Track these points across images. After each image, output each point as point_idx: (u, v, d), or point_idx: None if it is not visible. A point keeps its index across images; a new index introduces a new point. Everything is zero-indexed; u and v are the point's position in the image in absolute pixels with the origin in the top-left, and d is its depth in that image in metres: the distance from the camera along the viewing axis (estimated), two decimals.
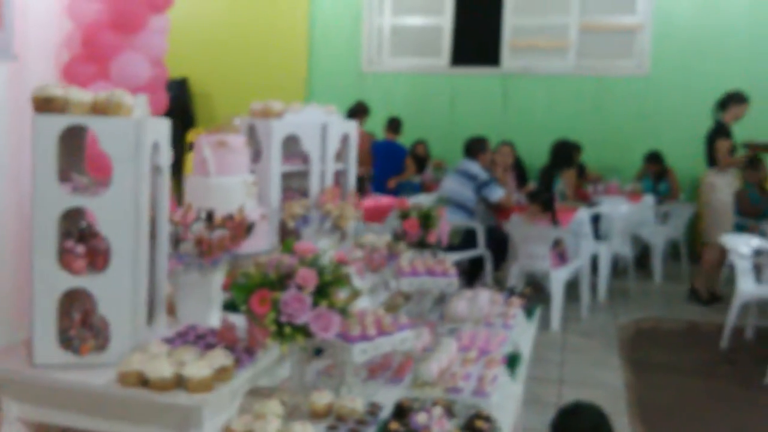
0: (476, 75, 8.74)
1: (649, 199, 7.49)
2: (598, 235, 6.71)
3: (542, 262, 5.67)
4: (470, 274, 6.29)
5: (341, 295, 2.02)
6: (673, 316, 6.19)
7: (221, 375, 1.79)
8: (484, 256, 6.12)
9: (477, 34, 8.84)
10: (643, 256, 7.52)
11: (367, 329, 2.02)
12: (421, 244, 3.03)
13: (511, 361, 2.46)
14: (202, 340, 2.03)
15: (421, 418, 1.81)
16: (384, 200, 6.48)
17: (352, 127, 3.39)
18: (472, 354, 2.23)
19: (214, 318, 2.19)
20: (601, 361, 5.02)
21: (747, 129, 6.92)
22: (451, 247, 6.07)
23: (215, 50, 9.28)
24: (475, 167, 6.19)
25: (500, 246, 6.17)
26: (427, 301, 2.91)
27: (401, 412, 1.89)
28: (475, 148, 6.35)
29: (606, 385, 4.57)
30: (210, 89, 9.14)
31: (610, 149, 8.32)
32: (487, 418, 1.86)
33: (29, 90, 2.07)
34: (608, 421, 2.86)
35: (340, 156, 3.35)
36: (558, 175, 7.33)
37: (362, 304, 2.64)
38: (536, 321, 3.11)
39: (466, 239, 6.13)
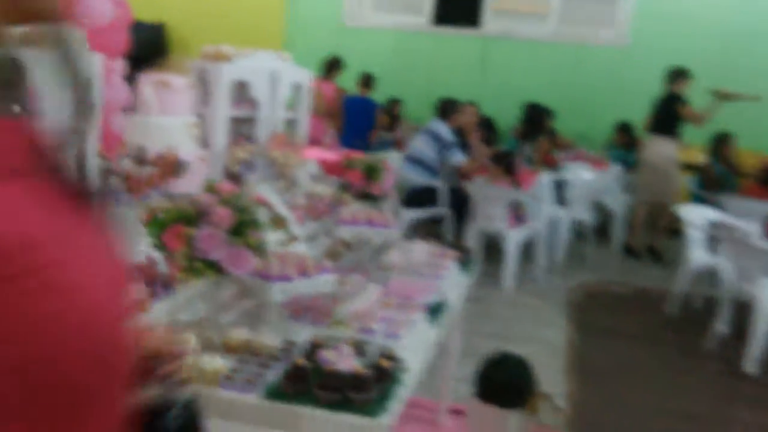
0: (457, 36, 8.69)
1: (615, 168, 7.56)
2: (562, 200, 6.79)
3: (499, 222, 5.75)
4: (434, 232, 6.37)
5: (268, 236, 2.07)
6: (623, 282, 6.33)
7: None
8: (445, 215, 6.18)
9: None
10: (605, 223, 7.62)
11: (287, 270, 2.08)
12: (365, 196, 3.08)
13: (434, 309, 2.53)
14: None
15: (329, 354, 1.88)
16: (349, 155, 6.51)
17: (304, 76, 3.40)
18: (392, 299, 2.30)
19: (138, 253, 2.23)
20: (547, 320, 5.14)
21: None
22: (413, 204, 6.16)
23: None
24: (442, 129, 6.21)
25: (463, 206, 6.24)
26: (366, 251, 2.96)
27: (313, 349, 1.96)
28: (446, 109, 6.38)
29: (548, 343, 4.69)
30: (187, 35, 9.03)
31: (584, 117, 8.35)
32: (393, 358, 1.93)
33: None
34: (531, 374, 2.97)
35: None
36: (532, 141, 7.39)
37: (299, 249, 2.70)
38: (473, 275, 3.18)
39: (429, 198, 6.18)
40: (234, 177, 3.02)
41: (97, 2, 3.97)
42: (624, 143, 7.87)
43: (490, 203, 5.75)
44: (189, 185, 2.55)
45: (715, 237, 5.50)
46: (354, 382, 1.78)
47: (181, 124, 2.54)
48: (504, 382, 2.87)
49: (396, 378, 1.91)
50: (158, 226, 1.80)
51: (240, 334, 2.07)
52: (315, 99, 7.21)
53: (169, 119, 2.52)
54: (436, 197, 6.16)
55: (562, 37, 8.32)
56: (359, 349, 1.99)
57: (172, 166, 2.19)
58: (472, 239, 5.89)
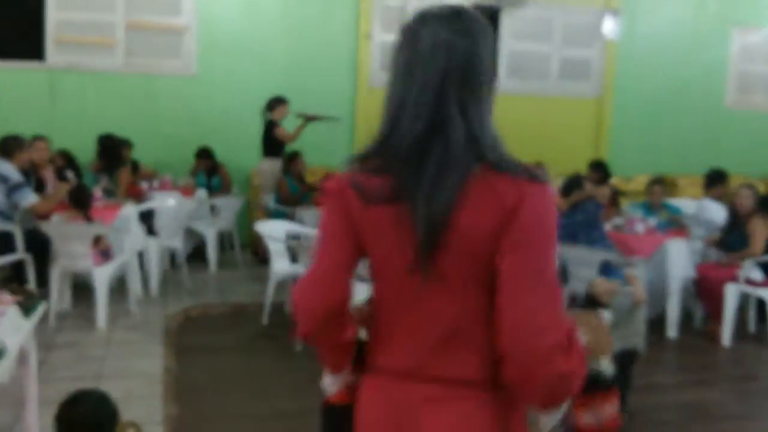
0: (19, 69, 8.16)
1: (201, 193, 7.87)
2: (153, 230, 6.84)
3: (83, 260, 5.59)
4: (17, 280, 5.91)
5: None
6: (222, 301, 6.63)
7: None
8: (25, 260, 5.79)
9: (17, 27, 8.27)
10: (200, 247, 7.87)
11: None
12: None
13: None
14: None
15: None
16: None
17: None
18: None
19: None
20: (143, 351, 5.15)
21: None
22: None
23: None
24: (7, 168, 5.80)
25: (45, 248, 5.91)
26: None
27: None
28: (8, 147, 5.95)
29: (145, 374, 4.72)
30: None
31: (164, 146, 8.49)
32: None
33: None
34: (109, 406, 2.98)
35: None
36: (113, 174, 7.29)
37: None
38: (36, 317, 3.09)
39: (5, 244, 5.72)
40: None
41: None
42: (206, 168, 8.21)
43: (71, 241, 5.56)
44: None
45: (293, 247, 6.09)
46: None
47: None
48: (81, 420, 2.84)
49: None
50: None
51: None
52: None
53: None
54: (12, 242, 5.73)
55: (131, 68, 8.36)
56: None
57: None
58: (56, 281, 5.64)
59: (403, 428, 1.50)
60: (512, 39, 9.69)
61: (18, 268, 5.83)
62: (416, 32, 1.47)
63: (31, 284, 5.76)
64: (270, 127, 7.85)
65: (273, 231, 6.15)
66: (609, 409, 3.16)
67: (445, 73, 1.43)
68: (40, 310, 3.13)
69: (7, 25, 8.25)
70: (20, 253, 5.74)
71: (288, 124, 7.96)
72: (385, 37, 9.16)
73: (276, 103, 7.92)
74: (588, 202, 5.71)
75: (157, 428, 3.92)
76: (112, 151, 7.31)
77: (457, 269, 1.43)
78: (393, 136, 1.49)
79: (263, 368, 5.11)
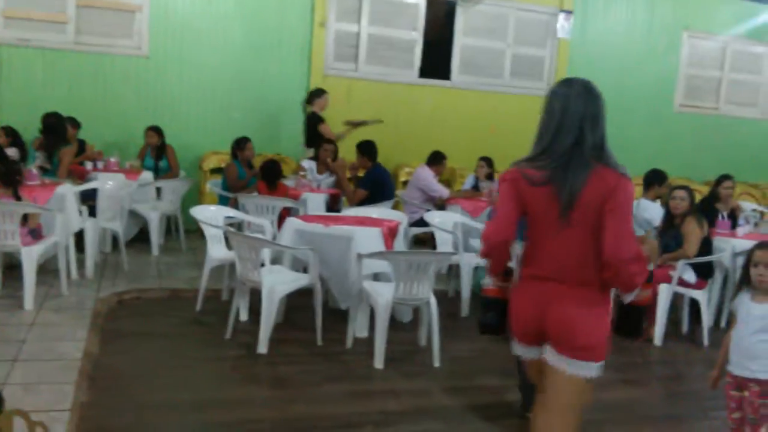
0: None
1: (146, 176, 7.57)
2: (94, 211, 6.54)
3: (11, 239, 5.28)
4: None
5: None
6: (160, 286, 6.34)
7: None
8: None
9: None
10: (145, 231, 7.57)
11: None
12: None
13: None
14: None
15: None
16: None
17: None
18: None
19: None
20: (67, 335, 4.85)
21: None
22: None
23: None
24: None
25: None
26: None
27: None
28: None
29: (63, 358, 4.42)
30: None
31: (113, 126, 8.19)
32: None
33: None
34: None
35: None
36: (56, 151, 6.98)
37: None
38: None
39: None
40: None
41: None
42: (155, 149, 7.91)
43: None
44: None
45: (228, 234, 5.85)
46: None
47: None
48: None
49: None
50: None
51: None
52: None
53: None
54: None
55: (81, 47, 8.03)
56: None
57: None
58: None
59: (542, 307, 2.64)
60: (466, 35, 9.51)
61: None
62: (565, 93, 2.60)
63: None
64: (314, 120, 7.88)
65: (210, 216, 5.90)
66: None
67: (583, 114, 2.56)
68: None
69: None
70: None
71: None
72: (339, 26, 8.92)
73: (315, 95, 8.00)
74: None
75: (62, 415, 3.65)
76: (55, 130, 6.99)
77: (581, 220, 2.54)
78: (553, 145, 2.56)
79: (189, 356, 4.85)
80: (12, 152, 6.75)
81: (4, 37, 7.81)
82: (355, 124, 8.17)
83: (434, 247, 6.37)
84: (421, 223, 6.81)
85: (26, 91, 7.87)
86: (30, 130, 7.31)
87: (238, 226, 6.58)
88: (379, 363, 4.67)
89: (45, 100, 7.61)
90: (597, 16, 9.93)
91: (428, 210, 7.10)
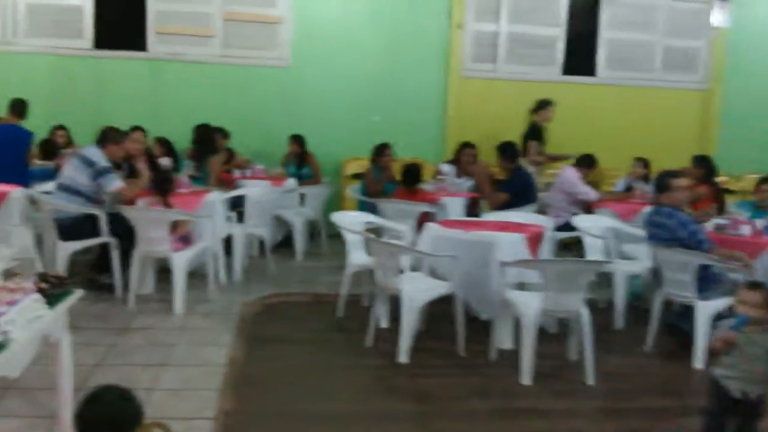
0: (123, 59, 8.17)
1: (290, 182, 7.60)
2: (242, 217, 6.62)
3: (162, 245, 5.38)
4: (102, 263, 5.81)
5: None
6: (303, 291, 6.27)
7: None
8: (110, 244, 5.64)
9: (121, 18, 8.28)
10: (290, 236, 7.60)
11: None
12: None
13: None
14: None
15: None
16: None
17: None
18: None
19: None
20: (213, 340, 4.85)
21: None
22: (72, 236, 5.55)
23: None
24: (96, 153, 5.67)
25: (130, 232, 5.75)
26: None
27: None
28: (103, 136, 5.85)
29: (208, 364, 4.39)
30: None
31: (258, 135, 8.32)
32: None
33: None
34: (131, 404, 2.63)
35: None
36: (205, 160, 7.14)
37: None
38: (64, 306, 2.80)
39: (90, 227, 5.60)
40: None
41: None
42: (296, 156, 7.93)
43: (150, 227, 5.35)
44: None
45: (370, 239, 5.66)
46: None
47: None
48: (99, 419, 2.52)
49: None
50: None
51: None
52: None
53: None
54: (97, 226, 5.60)
55: (227, 59, 8.22)
56: None
57: None
58: (136, 265, 5.46)
59: None
60: (612, 28, 8.87)
61: (105, 251, 5.71)
62: None
63: (115, 267, 5.62)
64: (530, 131, 7.62)
65: (350, 222, 5.75)
66: None
67: None
68: (70, 299, 2.82)
69: (113, 16, 8.25)
70: (105, 237, 5.60)
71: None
72: (477, 26, 8.57)
73: (541, 105, 7.72)
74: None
75: (205, 423, 3.58)
76: (205, 140, 7.15)
77: None
78: None
79: (331, 364, 4.69)
80: (165, 162, 6.95)
81: (157, 52, 8.12)
82: (554, 158, 7.83)
83: (581, 252, 5.89)
84: (567, 227, 6.33)
85: (178, 103, 8.14)
86: (182, 140, 7.52)
87: (379, 231, 6.41)
88: (526, 378, 4.29)
89: (195, 111, 7.83)
90: (757, 1, 8.96)
91: (574, 214, 6.60)
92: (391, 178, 7.25)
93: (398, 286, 4.65)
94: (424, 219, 6.04)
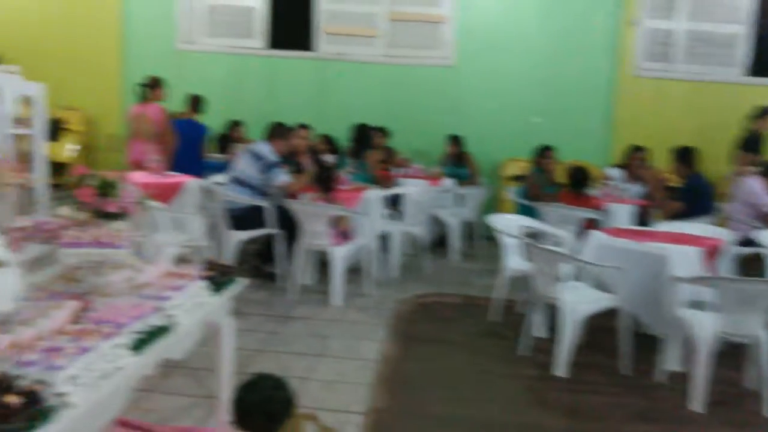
0: (292, 59, 8.48)
1: (448, 182, 7.52)
2: (400, 216, 6.64)
3: (323, 239, 5.49)
4: (267, 253, 6.05)
5: None
6: (457, 292, 6.18)
7: None
8: (276, 235, 5.86)
9: (292, 19, 8.60)
10: (443, 236, 7.53)
11: None
12: (99, 214, 2.71)
13: (152, 334, 2.21)
14: None
15: None
16: (173, 179, 6.13)
17: (35, 90, 3.02)
18: (71, 327, 1.96)
19: None
20: (367, 335, 4.89)
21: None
22: (241, 226, 5.82)
23: (27, 24, 8.57)
24: (265, 149, 5.93)
25: (294, 225, 5.94)
26: (99, 273, 2.59)
27: None
28: (272, 132, 6.11)
29: (362, 358, 4.44)
30: (22, 64, 8.37)
31: (418, 134, 8.31)
32: (28, 393, 1.59)
33: None
34: (284, 393, 2.66)
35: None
36: (363, 157, 7.23)
37: (9, 276, 2.31)
38: (229, 294, 2.88)
39: (258, 218, 5.84)
40: None
41: None
42: (454, 156, 7.84)
43: (312, 221, 5.49)
44: None
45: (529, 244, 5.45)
46: None
47: None
48: (254, 405, 2.56)
49: (38, 414, 1.57)
50: None
51: None
52: (137, 122, 6.87)
53: None
54: (264, 217, 5.83)
55: (391, 59, 8.29)
56: (2, 384, 1.64)
57: None
58: (299, 257, 5.63)
59: None
60: None
61: (270, 242, 5.94)
62: None
63: (279, 258, 5.82)
64: (751, 140, 6.99)
65: (507, 225, 5.56)
66: None
67: None
68: (234, 287, 2.90)
69: (285, 17, 8.58)
70: (271, 228, 5.81)
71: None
72: (651, 24, 8.03)
73: (766, 112, 7.17)
74: None
75: (356, 418, 3.58)
76: (362, 138, 7.25)
77: None
78: None
79: (483, 369, 4.54)
80: (329, 158, 7.12)
81: (325, 52, 8.35)
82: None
83: (761, 270, 5.32)
84: (748, 242, 5.74)
85: (342, 102, 8.32)
86: (345, 138, 7.68)
87: (538, 236, 6.16)
88: (696, 404, 3.91)
89: (358, 110, 7.96)
90: None
91: (757, 227, 5.98)
92: (553, 181, 6.95)
93: (557, 296, 4.42)
94: (587, 225, 5.73)
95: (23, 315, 1.96)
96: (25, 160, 2.94)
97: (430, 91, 8.30)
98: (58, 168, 7.17)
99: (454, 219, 7.29)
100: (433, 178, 7.50)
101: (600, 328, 4.87)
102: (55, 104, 8.25)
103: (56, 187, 6.09)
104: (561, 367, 4.32)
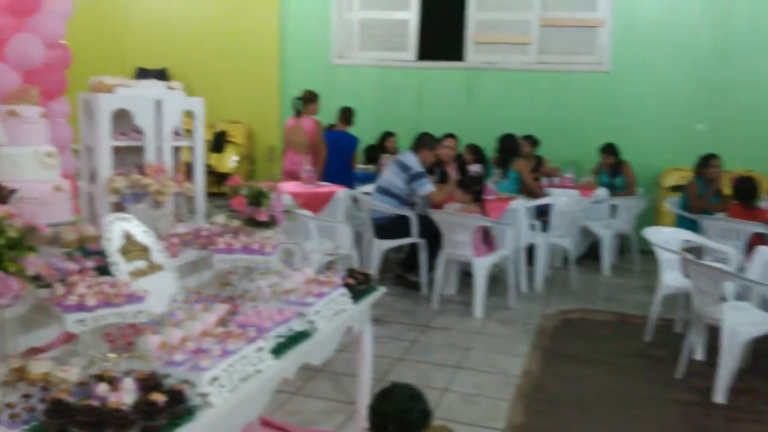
0: (442, 69, 8.53)
1: (601, 192, 7.22)
2: (547, 226, 6.48)
3: (465, 249, 5.46)
4: (411, 262, 6.12)
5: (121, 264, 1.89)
6: (606, 309, 5.91)
7: None
8: (419, 244, 5.91)
9: (442, 29, 8.64)
10: (596, 249, 7.24)
11: (87, 300, 1.88)
12: (251, 222, 2.86)
13: (292, 339, 2.30)
14: None
15: (100, 388, 1.67)
16: (323, 189, 6.35)
17: (196, 104, 3.24)
18: (217, 330, 2.08)
19: None
20: (509, 348, 4.80)
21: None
22: (386, 235, 5.92)
23: (193, 43, 9.26)
24: (411, 159, 6.00)
25: (438, 235, 5.97)
26: (249, 277, 2.74)
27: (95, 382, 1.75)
28: (418, 142, 6.18)
29: (503, 372, 4.35)
30: (189, 80, 9.04)
31: (570, 143, 8.05)
32: (173, 392, 1.70)
33: None
34: (420, 404, 2.67)
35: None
36: (510, 166, 7.12)
37: (166, 279, 2.50)
38: (368, 302, 2.93)
39: (402, 227, 5.92)
40: (120, 207, 2.86)
41: (26, 45, 3.92)
42: (609, 166, 7.50)
43: (455, 230, 5.48)
44: (47, 215, 2.39)
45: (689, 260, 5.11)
46: (112, 418, 1.56)
47: (31, 153, 2.39)
48: (389, 415, 2.59)
49: (182, 412, 1.68)
50: None
51: (40, 366, 1.88)
52: (292, 134, 7.19)
53: (17, 149, 2.38)
54: (409, 227, 5.90)
55: (543, 66, 8.10)
56: (152, 382, 1.76)
57: None
58: (441, 267, 5.63)
59: None
60: None
61: (415, 251, 5.99)
62: None
63: (422, 267, 5.87)
64: None
65: (665, 239, 5.24)
66: None
67: None
68: (374, 295, 2.95)
69: (434, 29, 8.64)
70: (415, 237, 5.87)
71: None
72: None
73: None
74: None
75: None
76: (508, 148, 7.11)
77: None
78: None
79: (632, 392, 4.30)
80: (476, 168, 7.07)
81: (473, 61, 8.32)
82: None
83: None
84: None
85: (491, 111, 8.25)
86: (492, 148, 7.60)
87: (698, 251, 5.75)
88: None
89: (507, 119, 7.86)
90: None
91: None
92: (717, 193, 6.47)
93: (719, 316, 4.10)
94: (755, 241, 5.27)
95: (175, 317, 2.10)
96: (185, 170, 3.16)
97: (583, 98, 8.02)
98: (221, 178, 7.69)
99: (606, 231, 6.98)
100: (585, 188, 7.24)
101: (765, 352, 4.48)
102: (221, 118, 8.85)
103: (218, 195, 6.54)
104: (720, 393, 4.01)
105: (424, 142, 6.16)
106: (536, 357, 4.70)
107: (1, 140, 2.35)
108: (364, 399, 3.07)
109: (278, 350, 2.20)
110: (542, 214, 6.48)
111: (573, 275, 6.49)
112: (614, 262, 7.21)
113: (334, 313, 2.62)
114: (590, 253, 7.29)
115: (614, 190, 7.38)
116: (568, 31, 8.05)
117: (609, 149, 7.46)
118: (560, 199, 6.46)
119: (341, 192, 6.26)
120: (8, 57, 3.85)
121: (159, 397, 1.64)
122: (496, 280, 5.91)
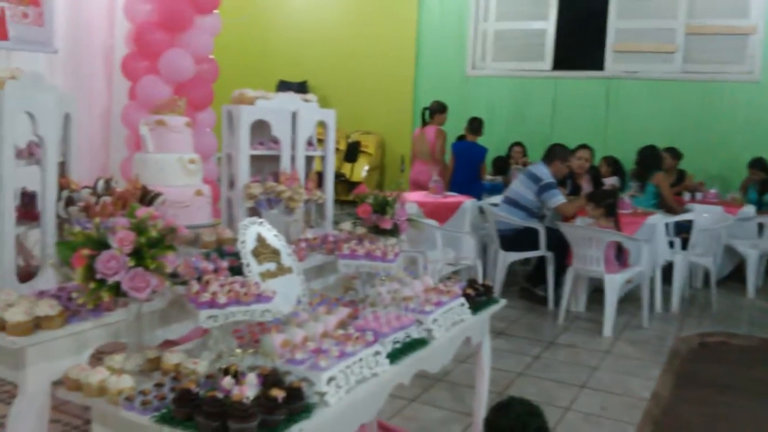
0: (579, 79, 8.31)
1: (748, 210, 6.76)
2: (686, 244, 6.15)
3: (596, 265, 5.29)
4: (537, 275, 6.02)
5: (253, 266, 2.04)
6: (749, 333, 5.53)
7: (45, 323, 1.87)
8: (546, 258, 5.79)
9: (580, 38, 8.43)
10: (739, 269, 6.78)
11: (219, 297, 2.01)
12: (376, 230, 2.94)
13: (409, 345, 2.35)
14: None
15: (226, 381, 1.78)
16: (450, 199, 6.37)
17: (329, 116, 3.36)
18: (337, 332, 2.15)
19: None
20: (639, 370, 4.59)
21: None
22: (513, 247, 5.86)
23: (332, 56, 9.59)
24: (542, 170, 5.90)
25: (567, 248, 5.83)
26: (370, 283, 2.82)
27: (222, 375, 1.87)
28: (550, 153, 6.07)
29: (630, 395, 4.18)
30: (327, 92, 9.40)
31: (715, 157, 7.60)
32: (292, 389, 1.78)
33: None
34: (538, 420, 2.63)
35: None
36: (649, 179, 6.82)
37: (292, 279, 2.62)
38: (486, 314, 2.92)
39: (530, 240, 5.83)
40: (257, 212, 3.03)
41: (178, 59, 4.24)
42: (759, 182, 7.01)
43: (585, 245, 5.32)
44: (190, 218, 2.59)
45: None
46: (235, 410, 1.67)
47: (175, 160, 2.59)
48: (504, 429, 2.56)
49: (299, 409, 1.77)
50: (69, 248, 1.82)
51: (173, 357, 2.04)
52: (417, 144, 7.28)
53: (163, 156, 2.58)
54: (536, 239, 5.80)
55: (688, 76, 7.69)
56: (275, 378, 1.86)
57: (135, 197, 2.22)
58: (569, 282, 5.49)
59: None
60: None
61: (542, 264, 5.89)
62: None
63: (549, 281, 5.75)
64: None
65: None
66: None
67: None
68: (493, 307, 2.94)
69: (571, 38, 8.45)
70: (542, 251, 5.76)
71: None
72: None
73: None
74: None
75: None
76: (649, 161, 6.79)
77: None
78: None
79: None
80: (612, 181, 6.85)
81: (613, 70, 8.05)
82: None
83: None
84: None
85: (630, 122, 7.95)
86: (631, 160, 7.32)
87: None
88: None
89: (647, 130, 7.55)
90: None
91: None
92: None
93: None
94: None
95: (299, 317, 2.21)
96: (316, 178, 3.30)
97: (731, 109, 7.54)
98: (353, 186, 7.92)
99: (753, 251, 6.53)
100: (731, 204, 6.80)
101: None
102: (355, 128, 9.11)
103: (350, 203, 6.74)
104: None
105: (556, 153, 6.05)
106: (668, 381, 4.46)
107: (148, 147, 2.56)
108: (481, 411, 3.06)
109: (394, 355, 2.25)
110: (683, 230, 6.17)
111: (714, 297, 6.12)
112: (761, 284, 6.72)
113: (452, 323, 2.64)
114: (735, 274, 6.84)
115: (763, 208, 6.90)
116: (716, 38, 7.60)
117: (758, 164, 6.99)
118: (702, 215, 6.11)
119: (468, 202, 6.26)
120: (161, 70, 4.18)
121: (279, 393, 1.73)
122: (628, 298, 5.68)
